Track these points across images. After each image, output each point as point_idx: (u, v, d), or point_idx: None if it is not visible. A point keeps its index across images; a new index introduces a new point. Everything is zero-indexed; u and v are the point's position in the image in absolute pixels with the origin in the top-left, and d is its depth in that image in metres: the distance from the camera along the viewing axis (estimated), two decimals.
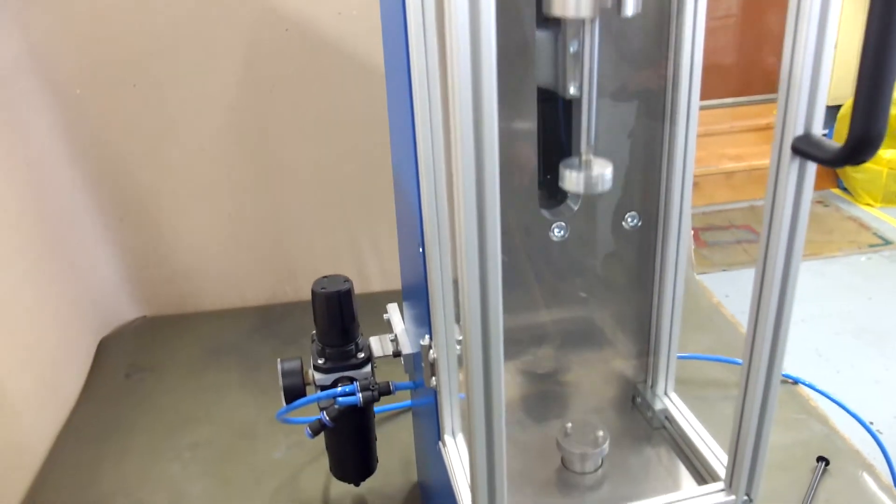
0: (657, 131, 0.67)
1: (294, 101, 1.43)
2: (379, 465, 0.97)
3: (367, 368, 0.89)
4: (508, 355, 0.77)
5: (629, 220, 0.70)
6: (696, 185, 3.46)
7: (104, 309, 1.50)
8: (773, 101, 3.44)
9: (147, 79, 1.36)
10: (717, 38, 3.52)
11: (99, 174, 1.42)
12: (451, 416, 0.71)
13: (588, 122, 0.55)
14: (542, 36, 0.62)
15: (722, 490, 0.64)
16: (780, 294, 0.53)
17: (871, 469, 1.01)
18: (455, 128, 0.44)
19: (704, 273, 2.76)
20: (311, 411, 0.87)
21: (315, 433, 0.87)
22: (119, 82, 1.36)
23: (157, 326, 1.53)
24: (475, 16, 0.42)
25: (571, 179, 0.55)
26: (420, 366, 0.75)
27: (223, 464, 1.12)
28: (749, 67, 3.59)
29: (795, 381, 1.20)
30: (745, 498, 0.64)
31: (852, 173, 3.30)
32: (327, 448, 0.95)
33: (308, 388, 0.89)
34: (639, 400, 0.79)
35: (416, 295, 0.75)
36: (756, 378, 0.58)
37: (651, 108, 0.66)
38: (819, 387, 1.21)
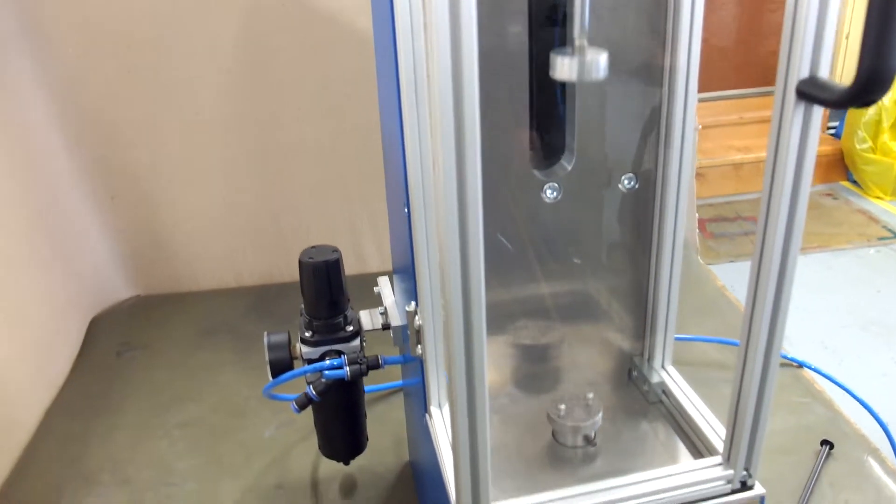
0: (656, 86, 0.63)
1: (292, 77, 1.40)
2: (370, 444, 0.94)
3: (356, 342, 0.86)
4: (498, 326, 0.74)
5: (626, 181, 0.67)
6: (703, 176, 3.43)
7: (97, 287, 1.48)
8: None
9: (141, 54, 1.33)
10: (726, 29, 3.48)
11: (91, 151, 1.39)
12: (437, 387, 0.68)
13: (581, 4, 0.51)
14: None
15: (720, 464, 0.61)
16: (783, 250, 0.50)
17: (876, 453, 0.98)
18: (432, 65, 0.41)
19: (711, 264, 2.72)
20: (301, 388, 0.84)
21: (301, 407, 0.84)
22: (112, 58, 1.33)
23: (150, 305, 1.51)
24: None
25: (563, 67, 0.50)
26: (408, 337, 0.73)
27: (212, 442, 1.10)
28: (758, 58, 3.55)
29: (800, 365, 1.16)
30: (744, 472, 0.61)
31: (862, 166, 3.26)
32: (315, 425, 0.92)
33: (296, 363, 0.86)
34: (635, 374, 0.76)
35: (403, 262, 0.73)
36: (756, 345, 0.55)
37: (649, 63, 0.63)
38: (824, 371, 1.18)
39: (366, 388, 0.97)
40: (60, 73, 1.32)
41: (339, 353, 0.85)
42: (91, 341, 1.39)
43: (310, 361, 0.85)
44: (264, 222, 1.52)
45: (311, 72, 1.40)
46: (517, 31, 0.61)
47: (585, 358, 0.76)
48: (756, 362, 0.56)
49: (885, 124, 3.19)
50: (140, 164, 1.43)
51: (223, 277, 1.55)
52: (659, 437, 0.69)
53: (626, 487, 0.59)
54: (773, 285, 0.53)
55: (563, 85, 0.63)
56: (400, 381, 1.16)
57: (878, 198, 3.25)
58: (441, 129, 0.43)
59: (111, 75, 1.34)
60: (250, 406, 1.17)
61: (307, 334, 0.86)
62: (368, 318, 0.85)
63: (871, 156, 3.25)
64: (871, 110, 3.19)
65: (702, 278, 1.49)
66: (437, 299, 0.64)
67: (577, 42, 0.50)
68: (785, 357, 1.17)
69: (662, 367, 0.74)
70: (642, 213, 0.69)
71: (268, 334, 0.86)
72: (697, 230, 1.66)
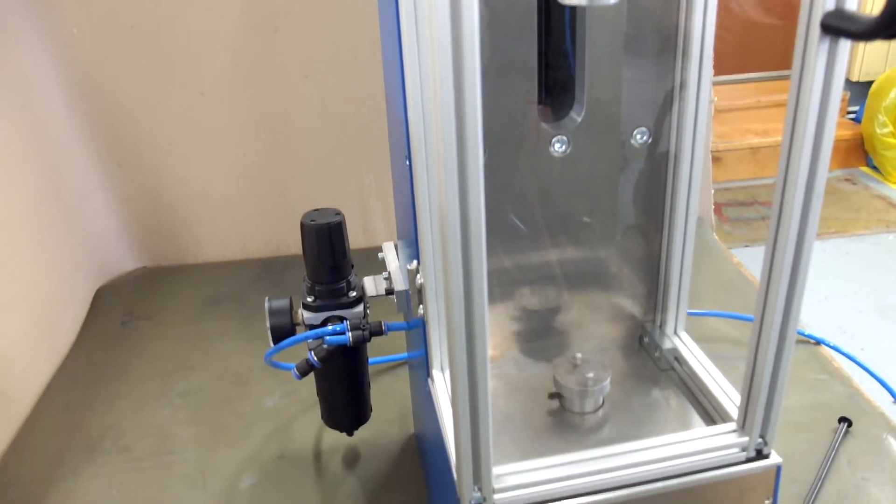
0: (670, 33, 0.60)
1: (300, 41, 1.37)
2: (374, 416, 0.92)
3: (360, 308, 0.84)
4: (504, 290, 0.71)
5: (638, 136, 0.64)
6: (720, 159, 3.37)
7: (103, 257, 1.47)
8: None
9: (146, 18, 1.31)
10: (746, 12, 3.41)
11: (97, 118, 1.38)
12: (439, 349, 0.66)
13: None
14: None
15: (734, 431, 0.59)
16: (804, 196, 0.47)
17: (895, 431, 0.94)
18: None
19: (727, 248, 2.69)
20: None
21: (303, 374, 0.82)
22: (117, 22, 1.31)
23: (156, 276, 1.50)
24: None
25: None
26: (411, 300, 0.70)
27: (214, 411, 1.09)
28: (778, 40, 3.48)
29: (818, 342, 1.13)
30: (760, 440, 0.58)
31: (882, 151, 3.19)
32: (318, 394, 0.90)
33: (298, 329, 0.84)
34: (646, 340, 0.73)
35: (406, 221, 0.70)
36: (773, 309, 0.52)
37: (665, 8, 0.60)
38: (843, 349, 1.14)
39: (371, 359, 0.95)
40: (68, 43, 1.30)
41: (341, 319, 0.82)
42: (96, 311, 1.38)
43: (312, 327, 0.83)
44: (271, 193, 1.50)
45: (321, 36, 1.36)
46: None
47: (594, 323, 0.73)
48: (772, 331, 0.53)
49: None
50: (146, 132, 1.41)
51: (230, 249, 1.53)
52: (670, 404, 0.67)
53: (635, 453, 0.57)
54: (792, 243, 0.50)
55: (573, 32, 0.60)
56: (405, 354, 1.14)
57: None
58: (439, 70, 0.40)
59: (117, 42, 1.32)
60: (254, 375, 1.15)
61: (309, 299, 0.83)
62: (372, 284, 0.83)
63: (892, 140, 3.18)
64: (893, 94, 3.12)
65: (717, 255, 1.46)
66: (438, 258, 0.61)
67: None
68: (801, 334, 1.14)
69: (675, 333, 0.71)
70: (655, 170, 0.66)
71: (269, 300, 0.84)
72: (713, 213, 1.62)
